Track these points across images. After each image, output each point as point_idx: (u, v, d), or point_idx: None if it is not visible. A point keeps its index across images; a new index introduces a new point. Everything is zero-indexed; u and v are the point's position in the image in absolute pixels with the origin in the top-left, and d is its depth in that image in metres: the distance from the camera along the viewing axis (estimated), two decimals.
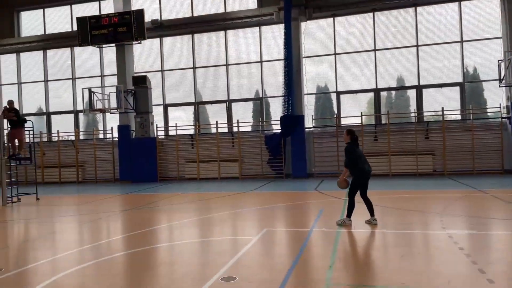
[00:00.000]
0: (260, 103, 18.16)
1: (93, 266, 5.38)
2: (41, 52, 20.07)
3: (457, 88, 16.05)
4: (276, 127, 17.40)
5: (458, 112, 16.25)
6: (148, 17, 17.81)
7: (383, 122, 16.77)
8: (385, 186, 12.91)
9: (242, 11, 17.41)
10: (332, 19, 17.05)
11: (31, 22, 20.26)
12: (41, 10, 20.03)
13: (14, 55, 20.39)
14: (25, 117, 12.58)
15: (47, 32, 19.78)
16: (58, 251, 6.46)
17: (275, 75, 17.34)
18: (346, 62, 17.24)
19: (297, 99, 16.52)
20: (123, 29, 17.34)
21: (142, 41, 17.70)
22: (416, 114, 16.25)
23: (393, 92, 17.44)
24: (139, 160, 17.75)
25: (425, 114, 16.56)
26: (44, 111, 20.29)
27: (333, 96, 17.48)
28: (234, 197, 11.98)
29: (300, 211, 9.29)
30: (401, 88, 17.00)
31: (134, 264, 5.52)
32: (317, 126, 17.51)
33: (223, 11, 17.89)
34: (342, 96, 17.30)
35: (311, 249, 5.86)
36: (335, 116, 17.00)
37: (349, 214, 7.25)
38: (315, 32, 17.31)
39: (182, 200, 11.83)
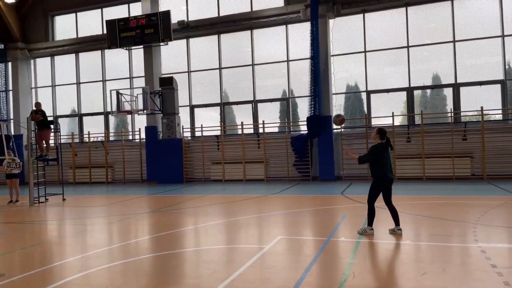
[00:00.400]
0: (286, 103, 17.72)
1: (103, 271, 5.20)
2: (73, 55, 20.63)
3: (498, 86, 14.90)
4: (304, 128, 16.90)
5: (499, 111, 15.09)
6: (175, 18, 17.85)
7: (416, 122, 15.86)
8: (417, 191, 12.13)
9: (268, 9, 17.06)
10: (362, 15, 16.35)
11: (64, 26, 20.88)
12: (74, 14, 20.59)
13: (49, 58, 21.08)
14: (52, 120, 12.76)
15: (79, 36, 20.29)
16: (67, 255, 6.37)
17: (303, 74, 16.84)
18: (377, 60, 16.47)
19: (324, 99, 15.95)
20: (150, 31, 17.45)
21: (169, 42, 17.77)
22: (452, 114, 15.23)
23: (428, 91, 16.48)
24: (166, 161, 17.80)
25: (462, 114, 15.50)
26: (76, 112, 20.84)
27: (364, 96, 16.76)
28: (257, 200, 11.63)
29: (321, 217, 8.80)
30: (437, 86, 16.01)
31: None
32: (346, 127, 16.84)
33: (249, 10, 17.61)
34: (372, 95, 16.55)
35: (323, 263, 5.40)
36: (365, 116, 16.27)
37: (370, 223, 6.71)
38: (344, 29, 16.67)
39: (203, 202, 11.62)
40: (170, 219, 9.27)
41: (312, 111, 15.89)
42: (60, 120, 21.18)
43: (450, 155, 14.73)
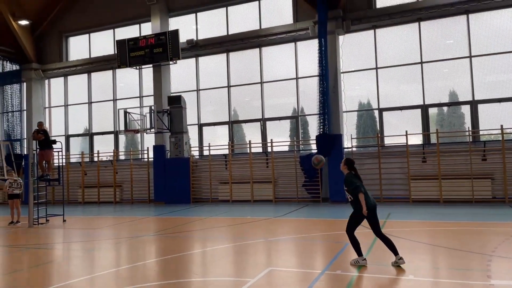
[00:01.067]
0: (296, 121, 17.25)
1: None
2: (86, 75, 20.85)
3: None
4: (314, 147, 16.31)
5: None
6: (184, 37, 17.82)
7: (432, 141, 15.07)
8: (433, 216, 11.31)
9: (277, 27, 16.82)
10: (373, 31, 15.87)
11: (78, 47, 21.20)
12: (87, 35, 20.91)
13: (62, 78, 21.38)
14: (54, 139, 12.67)
15: (92, 56, 20.53)
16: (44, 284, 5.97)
17: (313, 91, 16.35)
18: (390, 76, 15.86)
19: (333, 117, 15.40)
20: (159, 50, 17.44)
21: (178, 61, 17.69)
22: (470, 132, 14.38)
23: (445, 109, 15.71)
24: (173, 181, 17.48)
25: (481, 132, 14.62)
26: (88, 131, 20.92)
27: (376, 114, 16.12)
28: (261, 223, 11.07)
29: (321, 245, 8.17)
30: (453, 103, 15.24)
31: None
32: (358, 146, 16.19)
33: (258, 27, 17.42)
34: (385, 113, 15.89)
35: None
36: (377, 135, 15.58)
37: (359, 253, 6.11)
38: (354, 46, 16.20)
39: (204, 225, 11.14)
40: (166, 243, 8.82)
41: (322, 130, 15.34)
42: (71, 139, 21.37)
43: (469, 176, 13.82)
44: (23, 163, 19.16)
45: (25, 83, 21.15)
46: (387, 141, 15.67)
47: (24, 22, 19.65)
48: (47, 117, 21.56)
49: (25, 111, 21.13)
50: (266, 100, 17.66)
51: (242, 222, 11.40)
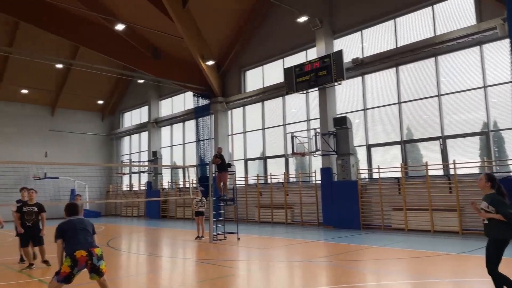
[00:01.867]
0: (486, 138, 14.46)
1: None
2: (260, 103, 22.62)
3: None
4: None
5: None
6: (349, 57, 17.44)
7: None
8: None
9: (456, 31, 14.69)
10: None
11: (253, 79, 23.29)
12: (261, 67, 22.78)
13: (241, 108, 23.75)
14: (229, 162, 13.92)
15: (264, 85, 22.19)
16: None
17: (508, 101, 13.49)
18: None
19: None
20: (323, 73, 17.50)
21: (343, 82, 17.36)
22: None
23: None
24: (341, 205, 16.90)
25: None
26: (262, 155, 22.46)
27: None
28: (445, 259, 9.40)
29: None
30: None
31: None
32: None
33: (432, 35, 15.60)
34: None
35: None
36: None
37: None
38: None
39: (377, 255, 10.21)
40: (336, 271, 8.38)
41: None
42: (249, 163, 23.29)
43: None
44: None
45: (213, 115, 24.33)
46: None
47: (210, 63, 22.80)
48: (229, 144, 24.18)
49: (213, 139, 24.21)
50: (446, 115, 15.45)
51: (420, 255, 9.95)
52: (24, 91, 29.76)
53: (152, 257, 11.28)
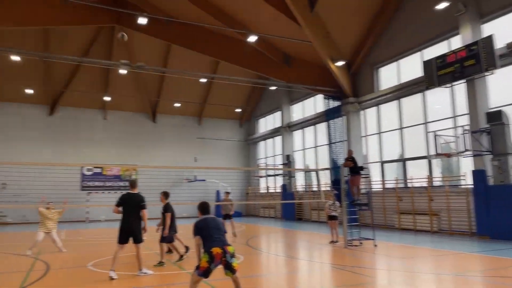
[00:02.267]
0: None
1: None
2: (395, 101, 21.19)
3: None
4: None
5: None
6: (502, 42, 15.02)
7: None
8: None
9: None
10: None
11: (387, 76, 21.97)
12: (395, 62, 21.34)
13: (375, 108, 22.63)
14: (362, 165, 13.36)
15: (401, 82, 20.71)
16: None
17: None
18: None
19: None
20: (470, 62, 15.44)
21: (495, 71, 15.01)
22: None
23: None
24: (499, 212, 14.58)
25: None
26: (401, 157, 20.95)
27: None
28: None
29: None
30: None
31: None
32: None
33: None
34: None
35: None
36: None
37: None
38: None
39: None
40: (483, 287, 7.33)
41: None
42: (385, 165, 22.01)
43: None
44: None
45: (345, 116, 23.78)
46: None
47: (340, 63, 22.34)
48: (363, 145, 23.26)
49: (346, 141, 23.65)
50: None
51: None
52: (177, 105, 34.05)
53: (289, 259, 11.55)
